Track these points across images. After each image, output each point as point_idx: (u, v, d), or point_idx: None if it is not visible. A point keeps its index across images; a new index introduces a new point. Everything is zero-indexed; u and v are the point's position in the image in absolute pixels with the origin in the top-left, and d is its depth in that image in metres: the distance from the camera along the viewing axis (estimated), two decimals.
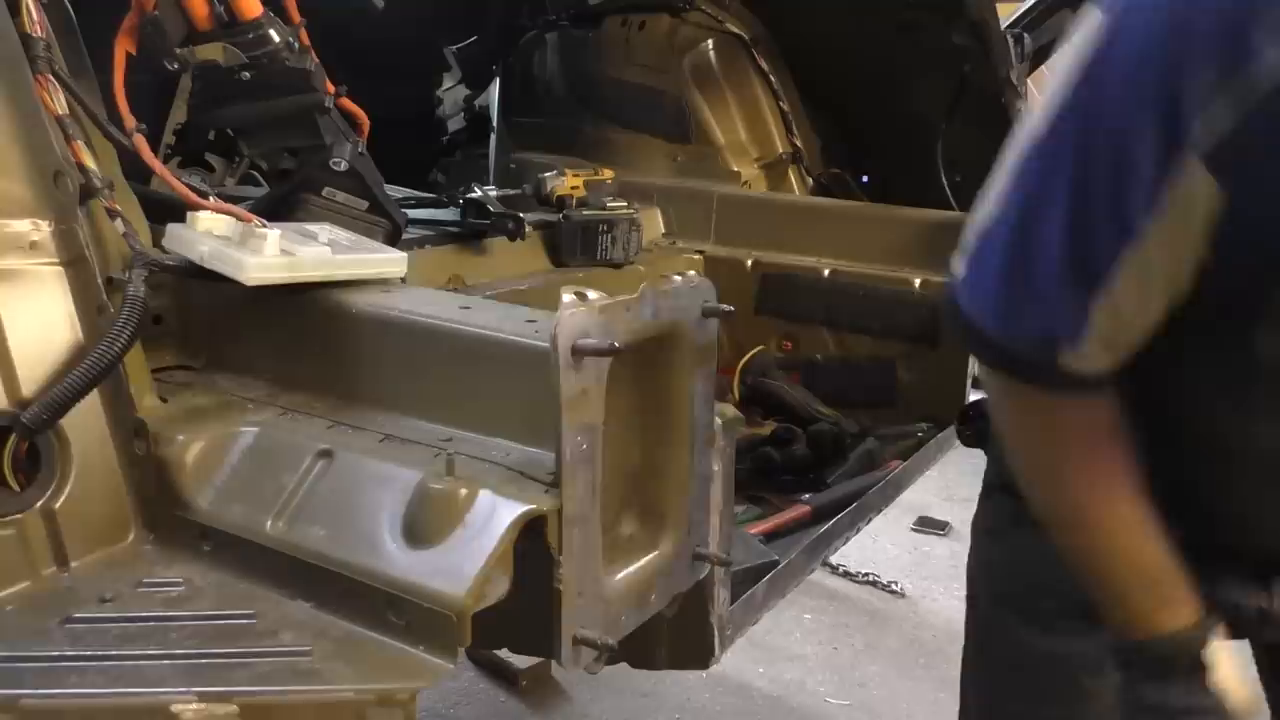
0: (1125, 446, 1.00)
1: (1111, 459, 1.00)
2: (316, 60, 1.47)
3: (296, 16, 1.49)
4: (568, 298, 0.90)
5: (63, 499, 1.01)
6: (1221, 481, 1.05)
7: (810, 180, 2.74)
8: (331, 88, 1.48)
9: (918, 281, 2.17)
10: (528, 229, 2.05)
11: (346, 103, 1.55)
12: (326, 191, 1.47)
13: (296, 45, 1.44)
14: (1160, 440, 1.03)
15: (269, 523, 0.99)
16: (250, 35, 1.41)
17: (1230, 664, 1.06)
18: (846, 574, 3.39)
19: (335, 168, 1.47)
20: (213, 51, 1.42)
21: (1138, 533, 1.02)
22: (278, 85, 1.44)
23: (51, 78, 1.08)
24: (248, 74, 1.42)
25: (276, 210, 1.42)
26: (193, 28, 1.41)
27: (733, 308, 1.09)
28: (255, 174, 1.93)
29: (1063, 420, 0.99)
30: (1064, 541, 1.05)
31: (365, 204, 1.49)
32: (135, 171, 1.23)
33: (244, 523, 1.01)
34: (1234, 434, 1.02)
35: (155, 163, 1.24)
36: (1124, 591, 1.04)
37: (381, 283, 1.24)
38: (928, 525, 3.76)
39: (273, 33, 1.42)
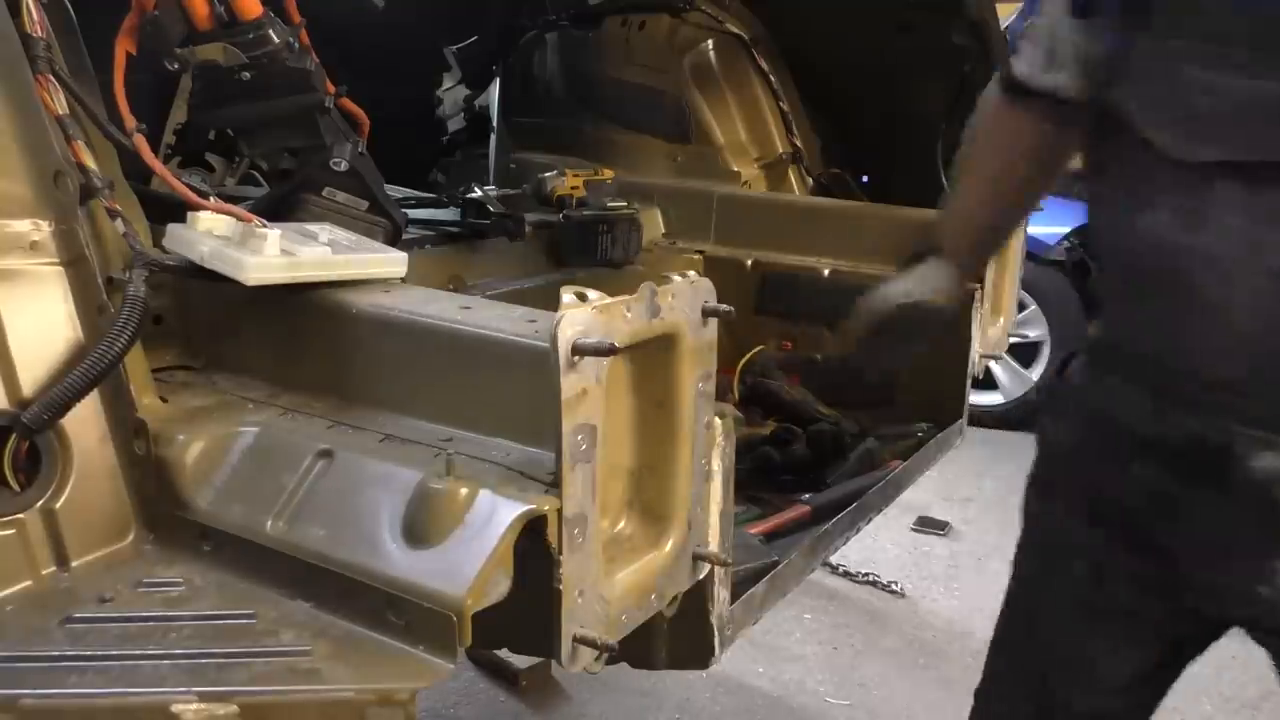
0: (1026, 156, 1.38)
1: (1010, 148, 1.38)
2: (316, 60, 1.47)
3: (296, 17, 1.49)
4: (568, 298, 0.90)
5: (63, 499, 1.01)
6: (1129, 293, 1.26)
7: (810, 180, 2.74)
8: (331, 88, 1.48)
9: None
10: (528, 229, 2.05)
11: (346, 103, 1.55)
12: (326, 192, 1.47)
13: (296, 45, 1.44)
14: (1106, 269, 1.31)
15: (269, 523, 0.99)
16: (250, 35, 1.40)
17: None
18: (846, 574, 3.39)
19: (335, 168, 1.47)
20: (213, 52, 1.42)
21: (971, 196, 1.49)
22: (278, 85, 1.44)
23: (52, 78, 1.08)
24: (248, 74, 1.42)
25: (276, 210, 1.42)
26: (193, 28, 1.41)
27: (732, 308, 1.09)
28: (255, 174, 1.93)
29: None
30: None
31: (365, 204, 1.49)
32: (135, 171, 1.23)
33: (244, 523, 1.01)
34: (1121, 230, 1.22)
35: (155, 163, 1.24)
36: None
37: (382, 283, 1.24)
38: (928, 525, 3.76)
39: (273, 33, 1.41)
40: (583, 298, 0.91)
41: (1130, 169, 1.17)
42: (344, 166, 1.47)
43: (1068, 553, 1.37)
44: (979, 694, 1.52)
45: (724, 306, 1.08)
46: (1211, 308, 1.14)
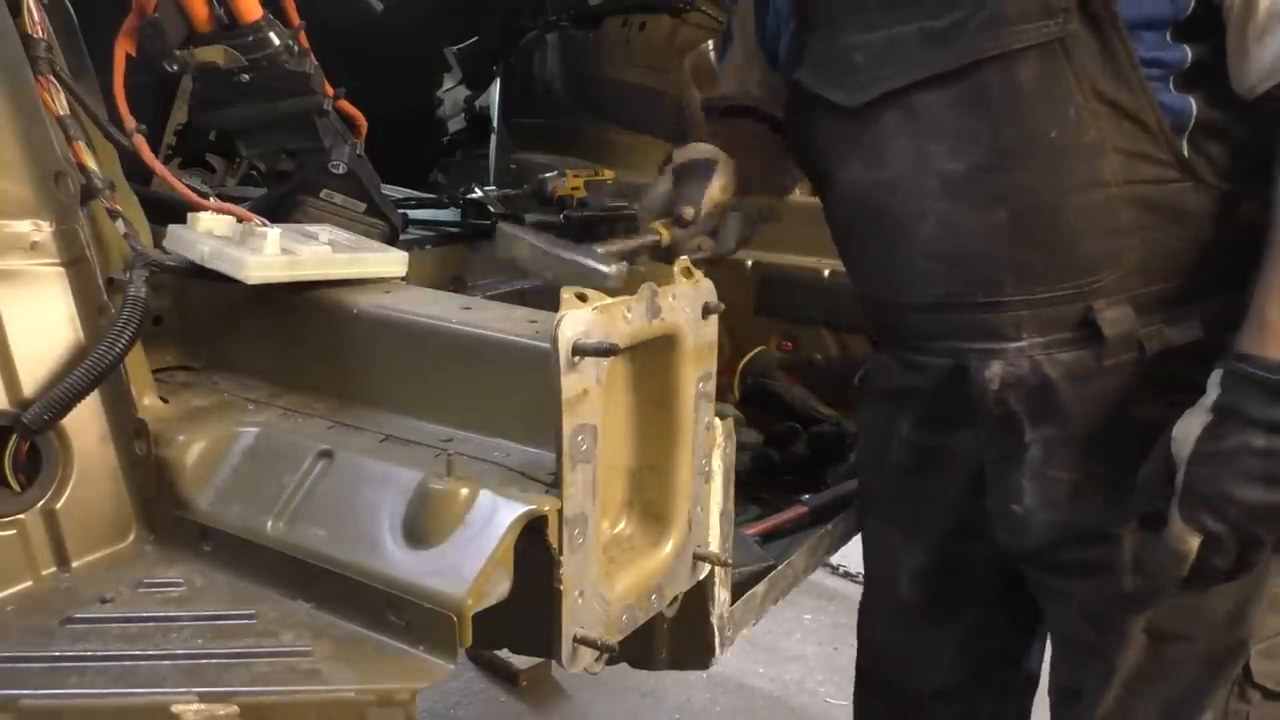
0: None
1: None
2: (315, 63, 1.47)
3: (296, 19, 1.49)
4: (568, 297, 0.90)
5: (63, 499, 1.01)
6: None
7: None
8: (330, 90, 1.48)
9: None
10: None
11: (345, 105, 1.55)
12: (324, 193, 1.48)
13: (296, 48, 1.44)
14: None
15: (269, 523, 0.99)
16: (250, 38, 1.40)
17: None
18: (846, 574, 3.39)
19: (333, 170, 1.47)
20: (212, 54, 1.42)
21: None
22: (277, 88, 1.44)
23: (52, 78, 1.08)
24: (247, 76, 1.42)
25: (274, 212, 1.42)
26: (193, 30, 1.41)
27: (722, 305, 1.09)
28: (256, 174, 1.93)
29: None
30: None
31: (363, 206, 1.50)
32: (136, 172, 1.24)
33: (244, 523, 1.01)
34: (833, 191, 1.41)
35: (156, 163, 1.24)
36: None
37: (382, 283, 1.24)
38: None
39: (272, 35, 1.41)
40: (583, 298, 0.91)
41: (824, 138, 1.38)
42: (342, 169, 1.47)
43: (889, 557, 1.54)
44: None
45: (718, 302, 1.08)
46: (904, 228, 1.29)
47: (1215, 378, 1.11)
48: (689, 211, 1.44)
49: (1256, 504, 1.07)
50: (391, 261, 1.28)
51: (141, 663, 0.87)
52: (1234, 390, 1.08)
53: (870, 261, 1.40)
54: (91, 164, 1.08)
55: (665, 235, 1.47)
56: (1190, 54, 1.16)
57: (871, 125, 1.29)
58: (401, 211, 1.74)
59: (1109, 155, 1.16)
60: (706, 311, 1.07)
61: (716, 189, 1.47)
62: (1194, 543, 1.09)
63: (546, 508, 0.90)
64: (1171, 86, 1.17)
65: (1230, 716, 1.29)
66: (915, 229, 1.28)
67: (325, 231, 1.28)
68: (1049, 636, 1.47)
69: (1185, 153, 1.17)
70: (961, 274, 1.27)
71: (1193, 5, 1.13)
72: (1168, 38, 1.15)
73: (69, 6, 1.19)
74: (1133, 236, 1.19)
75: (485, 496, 0.90)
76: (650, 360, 1.04)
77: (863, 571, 1.63)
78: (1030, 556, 1.35)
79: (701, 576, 1.15)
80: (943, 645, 1.52)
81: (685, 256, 1.07)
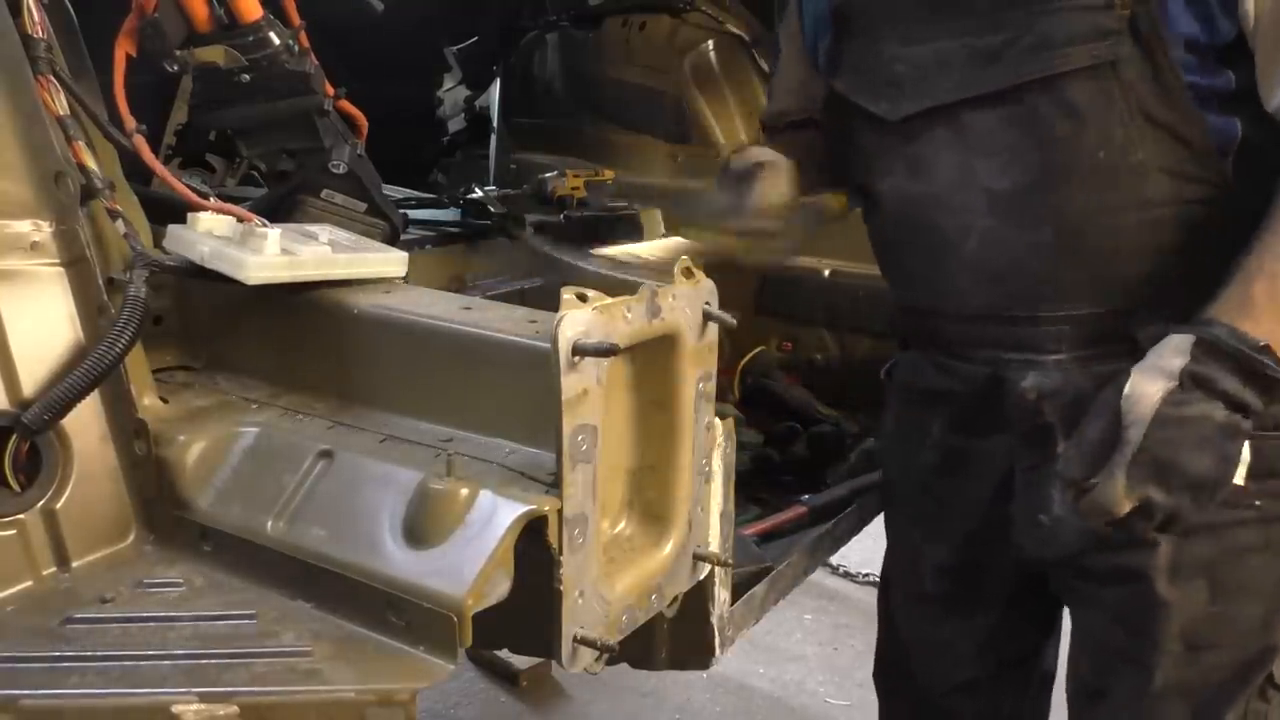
0: None
1: None
2: (316, 63, 1.47)
3: (296, 19, 1.49)
4: (568, 297, 0.90)
5: (63, 499, 1.01)
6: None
7: None
8: (330, 90, 1.48)
9: None
10: (528, 229, 2.05)
11: (345, 105, 1.55)
12: (325, 193, 1.48)
13: (296, 48, 1.44)
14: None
15: (269, 523, 0.99)
16: (250, 38, 1.41)
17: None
18: (846, 574, 3.40)
19: (334, 170, 1.47)
20: (213, 54, 1.42)
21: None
22: (277, 88, 1.44)
23: (53, 78, 1.08)
24: (247, 76, 1.42)
25: (275, 212, 1.42)
26: (193, 30, 1.41)
27: (734, 321, 1.09)
28: (256, 174, 1.93)
29: None
30: None
31: (363, 206, 1.50)
32: (136, 172, 1.24)
33: (244, 523, 1.01)
34: (876, 201, 1.42)
35: (156, 164, 1.24)
36: None
37: (382, 283, 1.24)
38: None
39: (273, 35, 1.42)
40: (583, 298, 0.91)
41: (865, 147, 1.38)
42: (342, 169, 1.47)
43: (912, 551, 1.57)
44: None
45: (727, 318, 1.08)
46: (948, 242, 1.30)
47: (1181, 343, 1.09)
48: (770, 224, 1.45)
49: (1204, 477, 1.06)
50: (391, 261, 1.28)
51: (141, 663, 0.87)
52: (1206, 361, 1.07)
53: (911, 272, 1.42)
54: (91, 164, 1.08)
55: (739, 245, 1.48)
56: (1234, 78, 1.16)
57: (915, 139, 1.30)
58: (401, 211, 1.74)
59: (1155, 175, 1.17)
60: (710, 319, 1.07)
61: (782, 190, 1.47)
62: (1128, 506, 1.08)
63: (546, 508, 0.90)
64: (1217, 108, 1.17)
65: (1250, 716, 1.29)
66: (959, 244, 1.29)
67: (325, 231, 1.28)
68: (1070, 633, 1.46)
69: (1230, 173, 1.18)
70: (1004, 289, 1.28)
71: (1235, 30, 1.13)
72: (1212, 61, 1.15)
73: (69, 6, 1.19)
74: (1177, 255, 1.19)
75: (485, 497, 0.90)
76: (650, 360, 1.04)
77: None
78: (1056, 562, 1.35)
79: (701, 577, 1.15)
80: (965, 640, 1.53)
81: (685, 257, 1.07)
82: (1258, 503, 1.21)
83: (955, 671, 1.55)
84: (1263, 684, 1.29)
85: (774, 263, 1.47)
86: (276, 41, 1.42)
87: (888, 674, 1.67)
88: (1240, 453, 1.08)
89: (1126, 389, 1.10)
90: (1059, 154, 1.20)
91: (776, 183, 1.45)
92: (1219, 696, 1.29)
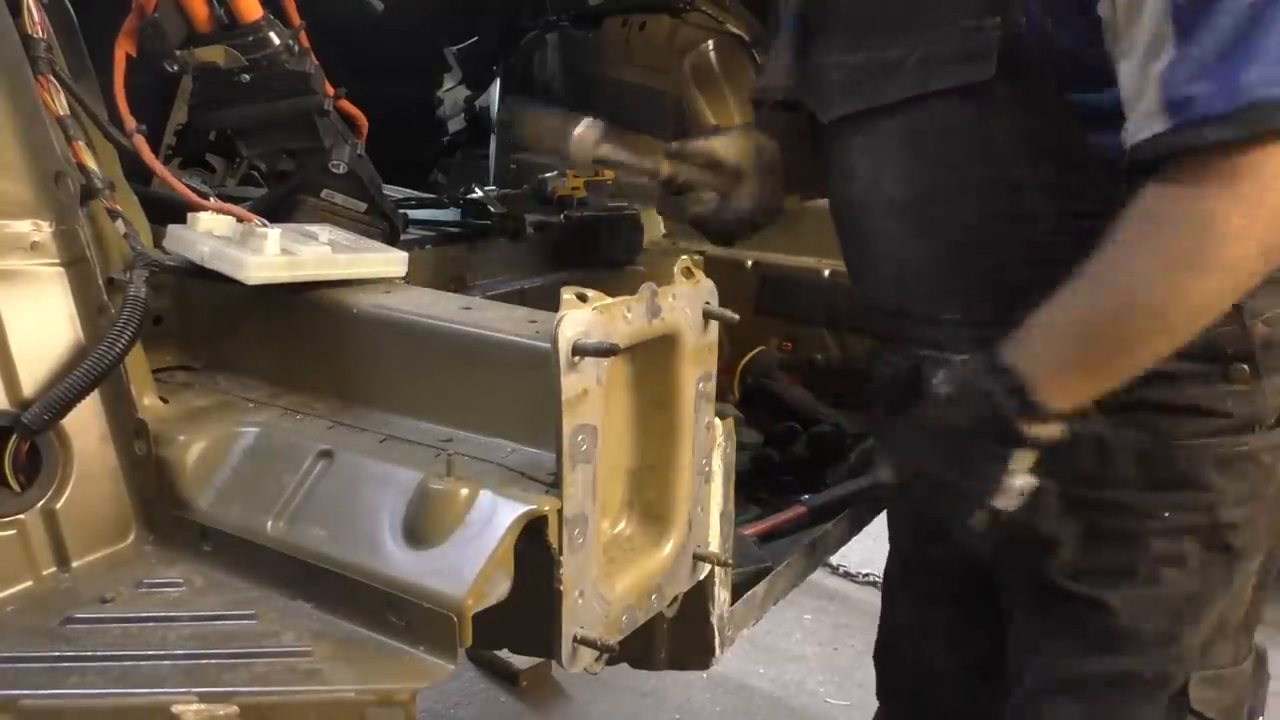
0: None
1: None
2: (316, 63, 1.47)
3: (296, 19, 1.49)
4: (568, 297, 0.90)
5: (63, 499, 1.01)
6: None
7: None
8: (330, 90, 1.48)
9: None
10: (528, 229, 2.05)
11: (345, 105, 1.55)
12: (325, 193, 1.48)
13: (296, 48, 1.44)
14: None
15: (269, 523, 0.99)
16: (250, 38, 1.41)
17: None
18: (846, 574, 3.40)
19: (334, 170, 1.47)
20: (213, 54, 1.42)
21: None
22: (277, 88, 1.44)
23: (53, 78, 1.08)
24: (247, 76, 1.42)
25: (275, 212, 1.42)
26: (193, 30, 1.41)
27: (736, 317, 1.09)
28: (256, 174, 1.93)
29: None
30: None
31: (363, 206, 1.50)
32: (136, 172, 1.24)
33: (244, 523, 1.01)
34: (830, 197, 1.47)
35: (156, 163, 1.24)
36: None
37: (382, 283, 1.24)
38: None
39: (273, 35, 1.42)
40: (583, 298, 0.91)
41: (821, 145, 1.45)
42: (342, 169, 1.47)
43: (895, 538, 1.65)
44: None
45: (728, 315, 1.08)
46: (868, 241, 1.38)
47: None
48: (675, 145, 1.53)
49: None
50: (391, 261, 1.28)
51: (141, 663, 0.87)
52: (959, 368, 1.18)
53: (852, 268, 1.49)
54: (91, 164, 1.08)
55: (665, 167, 1.54)
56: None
57: (841, 141, 1.38)
58: (401, 211, 1.74)
59: (1036, 192, 1.18)
60: (710, 317, 1.07)
61: (724, 142, 1.54)
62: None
63: (546, 508, 0.90)
64: (1107, 124, 1.14)
65: None
66: (875, 244, 1.37)
67: (325, 231, 1.28)
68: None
69: (1118, 188, 1.14)
70: (909, 290, 1.35)
71: None
72: (1100, 78, 1.12)
73: (69, 6, 1.19)
74: (1065, 267, 1.16)
75: (485, 497, 0.90)
76: (650, 360, 1.04)
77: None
78: (987, 558, 1.39)
79: (701, 576, 1.15)
80: (960, 626, 1.56)
81: (685, 257, 1.07)
82: (1166, 514, 1.21)
83: (948, 657, 1.57)
84: (1178, 708, 1.27)
85: (703, 210, 1.56)
86: (276, 41, 1.42)
87: (884, 657, 1.72)
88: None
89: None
90: (940, 170, 1.25)
91: (723, 134, 1.56)
92: (1117, 709, 1.28)
